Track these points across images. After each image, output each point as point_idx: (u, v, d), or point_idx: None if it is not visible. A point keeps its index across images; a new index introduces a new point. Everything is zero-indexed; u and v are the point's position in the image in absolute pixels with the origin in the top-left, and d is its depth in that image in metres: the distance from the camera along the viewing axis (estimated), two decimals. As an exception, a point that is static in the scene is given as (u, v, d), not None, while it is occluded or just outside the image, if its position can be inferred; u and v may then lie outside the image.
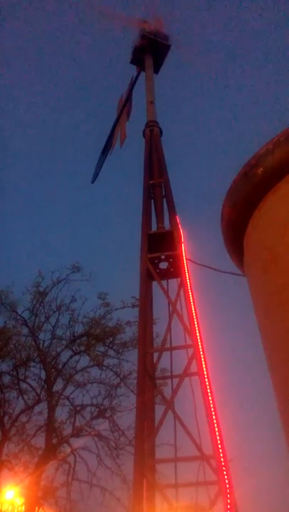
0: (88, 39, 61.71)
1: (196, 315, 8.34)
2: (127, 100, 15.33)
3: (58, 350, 16.42)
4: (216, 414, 7.03)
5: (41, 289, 16.73)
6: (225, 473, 6.58)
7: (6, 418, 15.52)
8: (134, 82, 15.38)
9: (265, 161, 6.75)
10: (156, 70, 15.18)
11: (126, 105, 15.26)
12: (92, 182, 15.73)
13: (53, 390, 15.56)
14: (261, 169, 6.77)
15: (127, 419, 15.17)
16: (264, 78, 64.15)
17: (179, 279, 9.58)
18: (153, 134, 12.65)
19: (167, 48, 15.20)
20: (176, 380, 8.53)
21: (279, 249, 6.17)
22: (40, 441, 15.43)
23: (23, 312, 16.42)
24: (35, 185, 66.36)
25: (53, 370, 16.06)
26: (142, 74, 15.05)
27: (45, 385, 15.65)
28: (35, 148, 67.78)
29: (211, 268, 9.18)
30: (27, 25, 62.87)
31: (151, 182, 11.53)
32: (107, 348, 16.45)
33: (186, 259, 9.46)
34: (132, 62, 15.46)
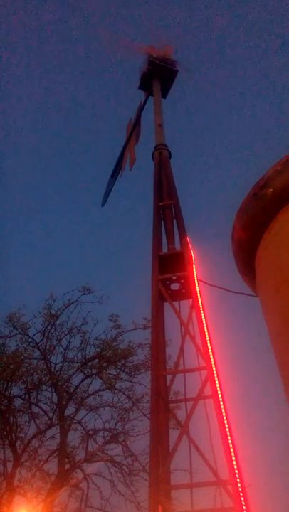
0: (96, 64, 63.28)
1: (208, 337, 8.27)
2: (136, 124, 15.56)
3: (70, 373, 16.36)
4: (231, 438, 6.90)
5: (52, 312, 16.77)
6: (242, 498, 6.43)
7: (18, 443, 15.38)
8: (143, 106, 15.64)
9: (274, 182, 6.79)
10: (164, 95, 15.45)
11: (135, 129, 15.49)
12: (103, 205, 15.86)
13: (65, 414, 15.42)
14: (271, 190, 6.81)
15: (140, 444, 14.97)
16: (275, 99, 64.89)
17: (190, 300, 9.55)
18: (162, 156, 12.80)
19: (174, 73, 15.48)
20: (189, 404, 8.41)
21: (291, 269, 6.14)
22: (52, 466, 15.26)
23: (34, 335, 16.45)
24: (46, 208, 67.37)
25: (64, 393, 15.95)
26: (150, 98, 15.34)
27: (57, 409, 15.52)
28: (44, 171, 68.95)
29: (223, 289, 9.13)
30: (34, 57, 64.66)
31: (160, 204, 11.61)
32: (119, 370, 16.34)
33: (197, 280, 9.44)
34: (140, 87, 15.74)
